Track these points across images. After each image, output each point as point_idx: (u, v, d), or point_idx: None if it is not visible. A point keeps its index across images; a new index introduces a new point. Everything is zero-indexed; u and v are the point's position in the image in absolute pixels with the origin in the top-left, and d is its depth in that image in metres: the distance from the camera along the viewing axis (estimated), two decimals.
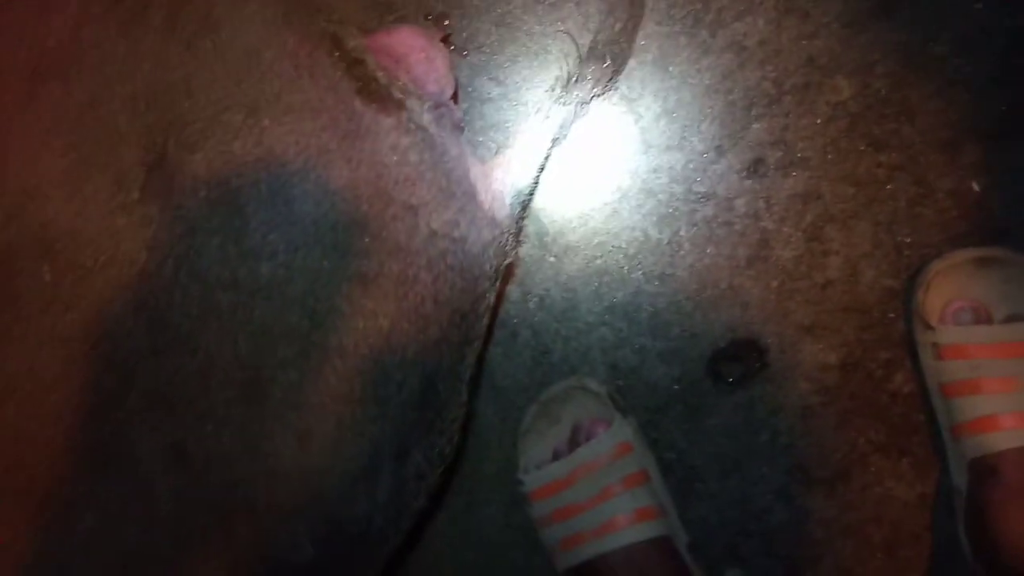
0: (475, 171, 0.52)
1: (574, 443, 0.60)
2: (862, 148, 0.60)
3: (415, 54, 0.52)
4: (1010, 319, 0.56)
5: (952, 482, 0.59)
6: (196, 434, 0.44)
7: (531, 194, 0.58)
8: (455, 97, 0.54)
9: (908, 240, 0.60)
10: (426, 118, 0.49)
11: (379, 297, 0.45)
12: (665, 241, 0.62)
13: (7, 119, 0.44)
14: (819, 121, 0.60)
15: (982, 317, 0.56)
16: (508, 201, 0.54)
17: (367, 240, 0.45)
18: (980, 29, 0.59)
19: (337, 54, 0.47)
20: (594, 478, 0.58)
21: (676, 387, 0.63)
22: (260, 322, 0.43)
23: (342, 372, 0.45)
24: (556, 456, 0.61)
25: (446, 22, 0.64)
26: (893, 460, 0.62)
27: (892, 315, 0.61)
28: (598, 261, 0.63)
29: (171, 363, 0.43)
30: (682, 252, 0.62)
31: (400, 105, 0.48)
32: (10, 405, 0.44)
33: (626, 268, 0.63)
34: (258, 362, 0.44)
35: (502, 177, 0.54)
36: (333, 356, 0.44)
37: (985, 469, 0.55)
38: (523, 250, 0.63)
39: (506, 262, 0.52)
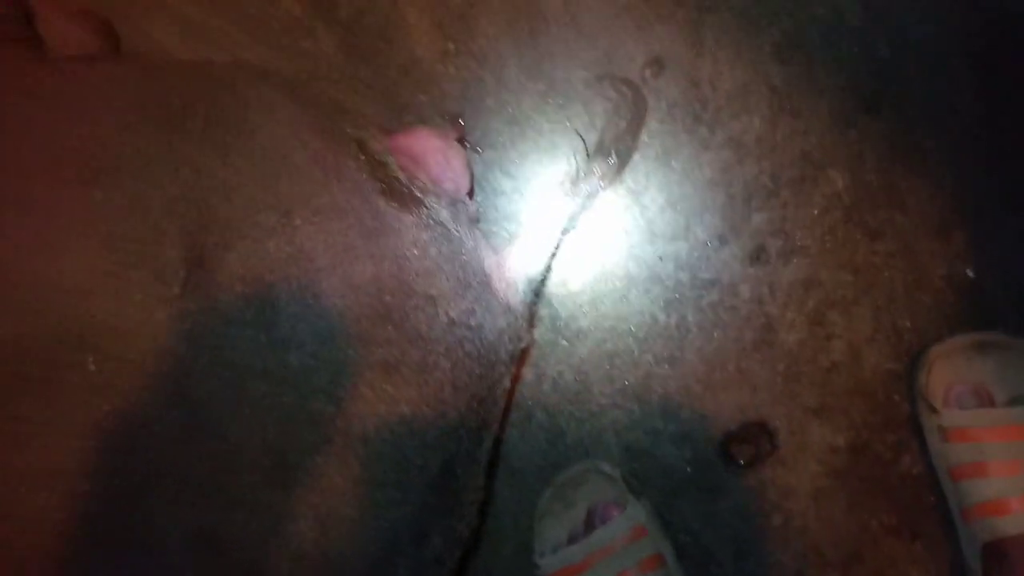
0: (490, 261, 0.55)
1: (589, 526, 0.61)
2: (858, 236, 0.62)
3: (432, 154, 0.56)
4: (1013, 402, 0.57)
5: (966, 564, 0.58)
6: (225, 518, 0.45)
7: (543, 281, 0.60)
8: (471, 193, 0.58)
9: (908, 324, 0.61)
10: (444, 214, 0.52)
11: (400, 384, 0.47)
12: (673, 325, 0.64)
13: (53, 223, 0.47)
14: (816, 211, 0.62)
15: (985, 400, 0.57)
16: (521, 288, 0.56)
17: (389, 329, 0.47)
18: (965, 121, 0.62)
19: (362, 157, 0.50)
20: (609, 562, 0.58)
21: (689, 469, 0.64)
22: (288, 409, 0.45)
23: (364, 457, 0.46)
24: (572, 539, 0.61)
25: (460, 121, 0.67)
26: (906, 542, 0.62)
27: (896, 397, 0.62)
28: (609, 344, 0.65)
29: (203, 449, 0.45)
30: (690, 336, 0.64)
31: (420, 203, 0.51)
32: (41, 495, 0.45)
33: (636, 351, 0.65)
34: (285, 447, 0.45)
35: (515, 266, 0.57)
36: (356, 441, 0.46)
37: (996, 553, 0.55)
38: (537, 334, 0.65)
39: (521, 347, 0.54)
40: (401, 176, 0.52)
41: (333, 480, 0.46)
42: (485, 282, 0.54)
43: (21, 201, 0.47)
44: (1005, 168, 0.62)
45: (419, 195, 0.52)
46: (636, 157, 0.65)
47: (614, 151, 0.63)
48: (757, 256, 0.63)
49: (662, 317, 0.64)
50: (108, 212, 0.47)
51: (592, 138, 0.65)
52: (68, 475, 0.45)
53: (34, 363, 0.45)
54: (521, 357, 0.62)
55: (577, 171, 0.62)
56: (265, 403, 0.45)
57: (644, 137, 0.65)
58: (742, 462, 0.63)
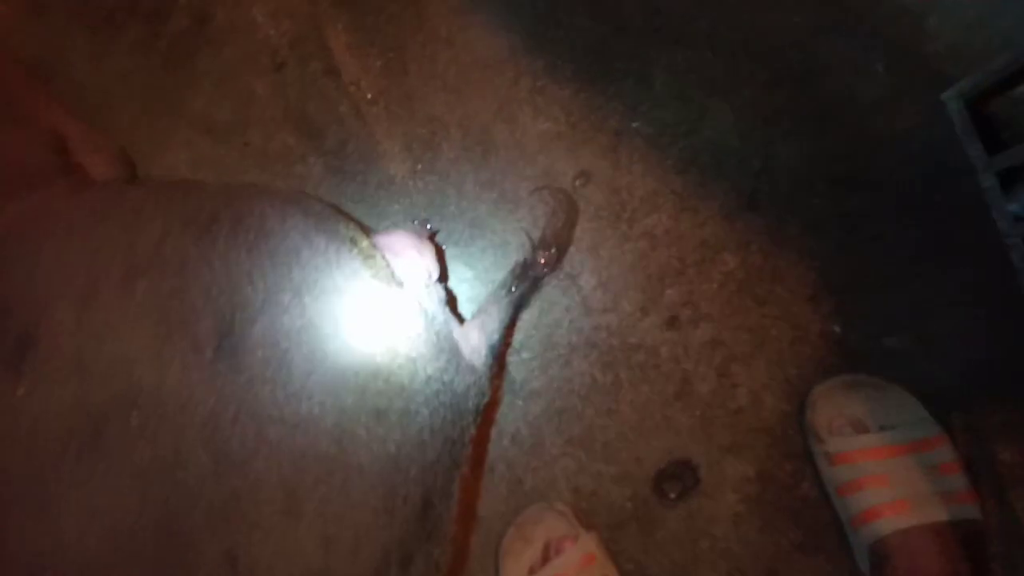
0: (457, 332, 0.68)
1: (546, 558, 0.70)
2: (749, 304, 0.76)
3: (409, 250, 0.69)
4: (882, 428, 0.69)
5: (859, 569, 0.70)
6: (246, 540, 0.54)
7: (501, 350, 0.72)
8: (442, 278, 0.71)
9: (794, 372, 0.75)
10: (421, 296, 0.65)
11: (388, 426, 0.57)
12: (609, 383, 0.77)
13: (107, 309, 0.58)
14: (715, 286, 0.76)
15: (860, 429, 0.69)
16: (484, 353, 0.68)
17: (380, 382, 0.58)
18: (820, 214, 0.77)
19: (355, 251, 0.63)
20: None
21: (629, 505, 0.75)
22: (300, 448, 0.55)
23: (360, 487, 0.56)
24: (531, 572, 0.70)
25: (429, 224, 0.81)
26: (811, 556, 0.72)
27: (791, 432, 0.74)
28: (557, 402, 0.77)
29: (230, 484, 0.54)
30: (623, 391, 0.77)
31: (401, 285, 0.64)
32: (92, 536, 0.54)
33: (580, 407, 0.76)
34: (297, 480, 0.55)
35: (478, 336, 0.69)
36: (354, 474, 0.56)
37: (878, 553, 0.66)
38: (496, 397, 0.77)
39: (484, 400, 0.66)
40: (386, 265, 0.65)
41: (335, 508, 0.55)
42: (455, 348, 0.66)
43: (82, 296, 0.58)
44: (856, 248, 0.76)
45: (401, 280, 0.65)
46: (572, 248, 0.78)
47: (554, 244, 0.77)
48: (672, 323, 0.77)
49: (600, 376, 0.77)
50: (152, 299, 0.58)
51: (536, 235, 0.78)
52: (112, 514, 0.55)
53: (86, 420, 0.55)
54: (486, 411, 0.73)
55: (525, 261, 0.75)
56: (282, 445, 0.55)
57: (577, 232, 0.78)
58: (673, 496, 0.74)
